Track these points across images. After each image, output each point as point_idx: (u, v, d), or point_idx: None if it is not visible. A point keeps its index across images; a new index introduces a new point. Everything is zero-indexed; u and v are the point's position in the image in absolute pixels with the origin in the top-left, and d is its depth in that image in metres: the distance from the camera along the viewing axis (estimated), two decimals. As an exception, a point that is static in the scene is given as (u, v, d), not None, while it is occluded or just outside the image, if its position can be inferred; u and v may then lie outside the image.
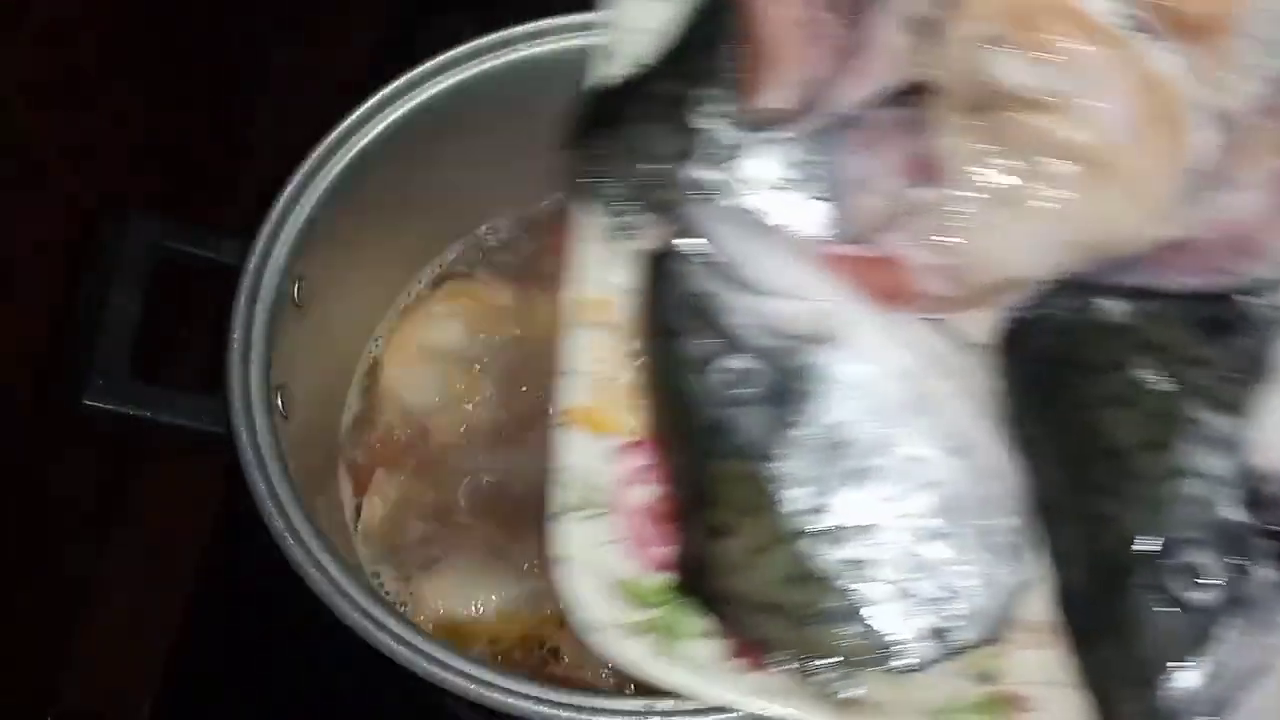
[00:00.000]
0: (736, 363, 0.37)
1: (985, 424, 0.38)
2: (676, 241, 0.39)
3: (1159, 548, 0.35)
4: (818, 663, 0.37)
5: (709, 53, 0.42)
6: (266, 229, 0.54)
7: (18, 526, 0.66)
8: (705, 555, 0.37)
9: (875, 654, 0.37)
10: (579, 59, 0.54)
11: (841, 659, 0.37)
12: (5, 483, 0.65)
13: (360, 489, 0.59)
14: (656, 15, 0.46)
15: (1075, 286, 0.39)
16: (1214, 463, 0.36)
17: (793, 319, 0.37)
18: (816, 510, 0.37)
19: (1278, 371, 0.37)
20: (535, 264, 0.64)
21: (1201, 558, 0.35)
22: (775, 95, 0.40)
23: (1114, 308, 0.38)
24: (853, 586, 0.37)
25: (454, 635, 0.54)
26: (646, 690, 0.44)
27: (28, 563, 0.67)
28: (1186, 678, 0.35)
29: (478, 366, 0.60)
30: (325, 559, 0.47)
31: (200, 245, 0.55)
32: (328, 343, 0.59)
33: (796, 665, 0.37)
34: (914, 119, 0.39)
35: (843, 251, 0.39)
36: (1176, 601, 0.35)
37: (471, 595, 0.55)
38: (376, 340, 0.63)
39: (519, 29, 0.58)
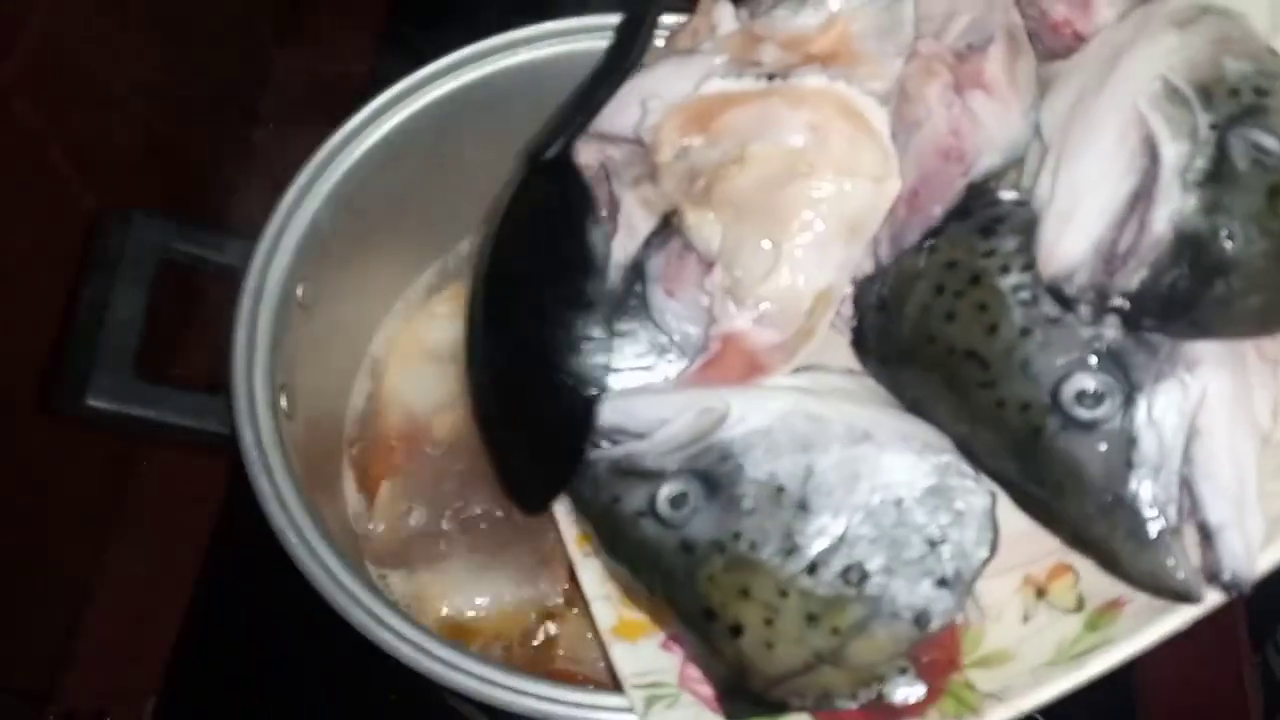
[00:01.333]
0: (669, 488, 0.42)
1: (870, 409, 0.43)
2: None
3: (1049, 396, 0.39)
4: (877, 678, 0.40)
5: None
6: (271, 230, 0.54)
7: (18, 526, 0.66)
8: (738, 659, 0.41)
9: (909, 632, 0.40)
10: (581, 62, 0.54)
11: (888, 657, 0.40)
12: (6, 483, 0.65)
13: (364, 488, 0.60)
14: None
15: (873, 275, 0.45)
16: (1042, 310, 0.40)
17: (687, 428, 0.43)
18: (792, 551, 0.40)
19: (1038, 220, 0.42)
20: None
21: (1084, 380, 0.39)
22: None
23: (909, 263, 0.44)
24: (855, 592, 0.40)
25: (458, 633, 0.54)
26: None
27: (28, 563, 0.68)
28: (1144, 474, 0.38)
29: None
30: (329, 558, 0.47)
31: (204, 246, 0.55)
32: (331, 342, 0.59)
33: (862, 693, 0.40)
34: (680, 239, 0.46)
35: (696, 364, 0.45)
36: (1092, 423, 0.39)
37: (475, 593, 0.55)
38: (380, 340, 0.64)
39: (521, 32, 0.59)
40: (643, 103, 0.47)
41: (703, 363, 0.44)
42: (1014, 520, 0.42)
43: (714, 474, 0.41)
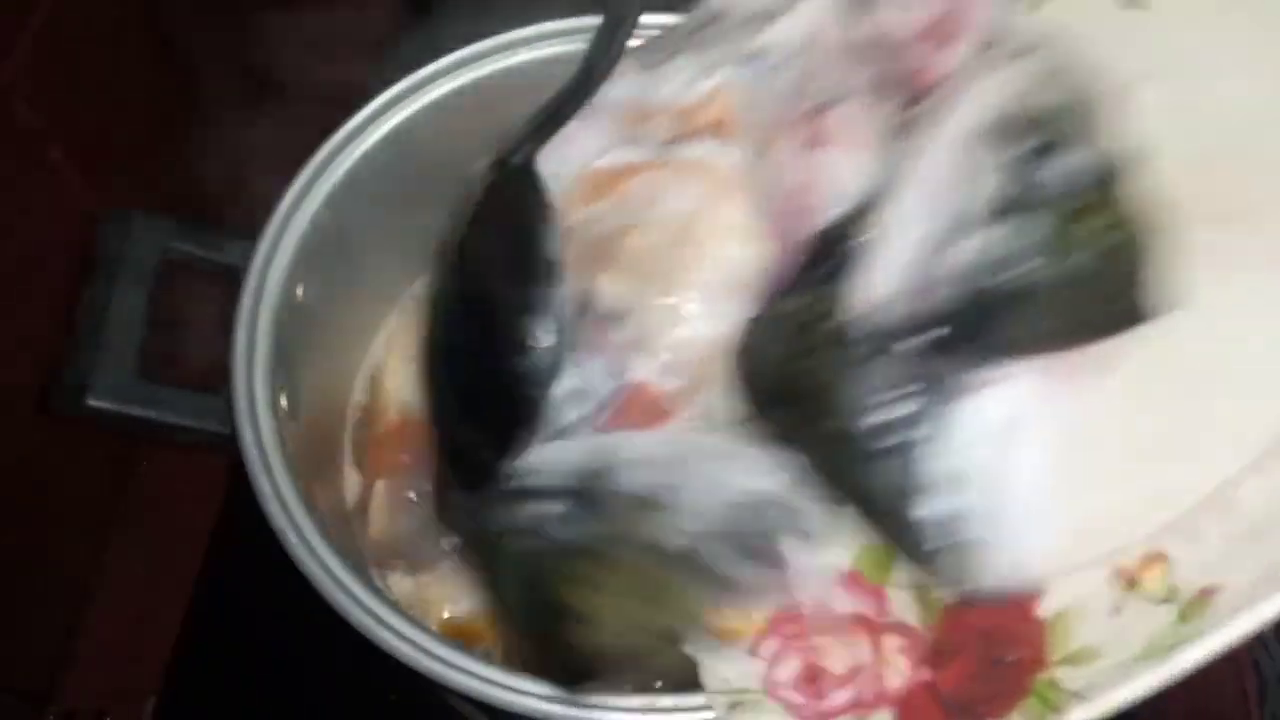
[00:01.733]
0: (542, 504, 0.45)
1: (739, 442, 0.46)
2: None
3: (855, 429, 0.41)
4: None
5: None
6: (271, 230, 0.54)
7: (18, 526, 0.66)
8: (582, 648, 0.43)
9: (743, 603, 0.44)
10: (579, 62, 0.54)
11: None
12: (6, 483, 0.65)
13: (365, 488, 0.60)
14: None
15: (750, 325, 0.47)
16: (858, 349, 0.42)
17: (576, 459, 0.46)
18: (649, 548, 0.43)
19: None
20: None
21: (879, 412, 0.41)
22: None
23: (773, 311, 0.46)
24: (701, 578, 0.43)
25: (459, 634, 0.54)
26: (645, 687, 0.45)
27: (28, 563, 0.68)
28: (926, 498, 0.41)
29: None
30: (329, 559, 0.47)
31: (204, 246, 0.55)
32: (332, 342, 0.59)
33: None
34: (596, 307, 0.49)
35: (607, 414, 0.48)
36: (885, 452, 0.41)
37: (476, 593, 0.55)
38: (380, 340, 0.64)
39: (521, 32, 0.59)
40: (553, 175, 0.51)
41: (613, 411, 0.47)
42: (1102, 509, 0.42)
43: (589, 490, 0.45)
